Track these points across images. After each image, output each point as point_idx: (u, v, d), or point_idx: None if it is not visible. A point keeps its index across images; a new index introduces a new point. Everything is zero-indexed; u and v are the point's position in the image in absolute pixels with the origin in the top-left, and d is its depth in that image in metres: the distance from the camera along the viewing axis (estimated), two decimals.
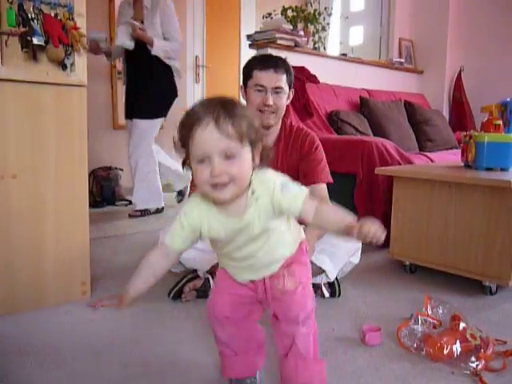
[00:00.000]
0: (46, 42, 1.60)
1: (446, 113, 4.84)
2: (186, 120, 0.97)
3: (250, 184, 1.03)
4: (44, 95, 1.66)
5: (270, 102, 1.81)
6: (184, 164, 1.04)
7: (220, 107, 0.94)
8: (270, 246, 1.08)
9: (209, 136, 0.93)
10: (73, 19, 1.66)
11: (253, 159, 1.01)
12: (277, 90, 1.83)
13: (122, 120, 4.26)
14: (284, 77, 1.83)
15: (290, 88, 1.89)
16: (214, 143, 0.93)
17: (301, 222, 1.09)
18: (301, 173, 1.92)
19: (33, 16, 1.57)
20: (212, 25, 4.99)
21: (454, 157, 3.20)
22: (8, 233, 1.63)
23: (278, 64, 1.84)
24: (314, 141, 1.96)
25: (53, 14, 1.62)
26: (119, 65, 4.31)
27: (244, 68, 1.91)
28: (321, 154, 1.96)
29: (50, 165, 1.70)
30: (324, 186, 1.94)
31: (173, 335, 1.57)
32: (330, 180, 1.97)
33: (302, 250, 1.15)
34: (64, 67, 1.66)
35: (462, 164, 2.44)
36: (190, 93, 4.89)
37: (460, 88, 4.77)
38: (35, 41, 1.56)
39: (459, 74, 4.78)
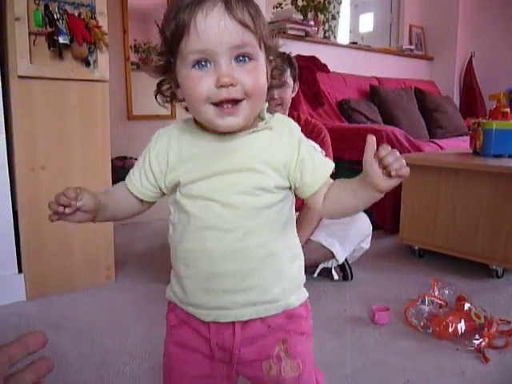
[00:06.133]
0: (71, 41, 1.69)
1: (456, 99, 4.86)
2: (178, 4, 0.65)
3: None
4: (69, 91, 1.76)
5: (276, 95, 1.89)
6: (160, 87, 0.73)
7: None
8: (264, 233, 0.72)
9: (215, 21, 0.62)
10: (95, 18, 1.75)
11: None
12: (282, 84, 1.92)
13: (136, 111, 4.37)
14: (288, 71, 1.92)
15: (294, 81, 1.99)
16: (223, 33, 0.62)
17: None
18: None
19: (58, 16, 1.66)
20: None
21: (463, 144, 3.24)
22: (39, 221, 1.74)
23: (282, 60, 1.92)
24: (321, 131, 2.06)
25: (76, 14, 1.71)
26: (133, 56, 4.41)
27: None
28: (327, 144, 2.05)
29: (76, 156, 1.81)
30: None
31: None
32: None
33: (306, 305, 0.80)
34: (87, 64, 1.76)
35: (471, 151, 2.50)
36: None
37: (471, 74, 4.79)
38: (61, 40, 1.65)
39: (470, 60, 4.79)
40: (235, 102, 0.66)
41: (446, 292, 1.65)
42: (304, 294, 0.80)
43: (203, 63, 0.65)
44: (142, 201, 0.80)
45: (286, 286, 0.75)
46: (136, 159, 0.82)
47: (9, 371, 0.46)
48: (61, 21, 1.67)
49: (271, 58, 0.72)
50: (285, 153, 0.71)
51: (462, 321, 1.49)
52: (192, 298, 0.75)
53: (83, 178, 1.83)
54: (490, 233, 2.05)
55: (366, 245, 2.11)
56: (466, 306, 1.55)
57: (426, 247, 2.32)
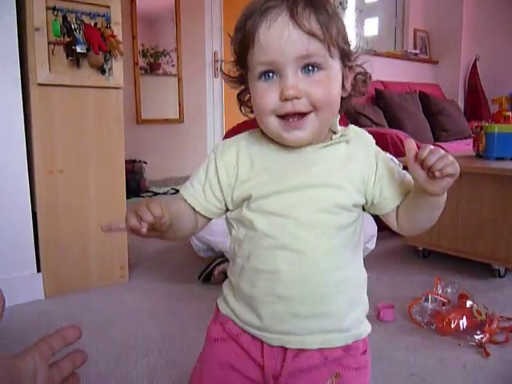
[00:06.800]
0: (88, 50, 1.76)
1: (461, 102, 4.91)
2: (244, 15, 0.64)
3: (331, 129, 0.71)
4: (86, 97, 1.84)
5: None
6: (241, 98, 0.72)
7: None
8: (342, 255, 0.68)
9: (279, 31, 0.60)
10: (110, 27, 1.83)
11: (343, 85, 0.67)
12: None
13: (144, 115, 4.46)
14: None
15: None
16: (287, 43, 0.59)
17: None
18: None
19: (75, 26, 1.74)
20: (230, 20, 5.10)
21: (467, 146, 3.29)
22: (57, 222, 1.82)
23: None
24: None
25: (92, 24, 1.79)
26: (141, 61, 4.49)
27: None
28: None
29: (92, 160, 1.89)
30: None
31: (207, 313, 1.74)
32: None
33: (365, 340, 0.74)
34: (103, 72, 1.83)
35: (474, 154, 2.55)
36: (210, 88, 5.05)
37: (475, 77, 4.84)
38: (78, 49, 1.73)
39: (474, 63, 4.84)
40: (301, 115, 0.62)
41: (449, 290, 1.70)
42: (369, 325, 0.74)
43: (270, 75, 0.63)
44: (202, 217, 0.73)
45: (358, 314, 0.71)
46: (146, 162, 0.77)
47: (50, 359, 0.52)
48: (78, 31, 1.75)
49: (351, 64, 0.68)
50: (363, 167, 0.68)
51: (464, 317, 1.55)
52: (258, 319, 0.69)
53: (98, 181, 1.91)
54: (493, 233, 2.10)
55: (372, 245, 2.16)
56: (468, 303, 1.61)
57: (430, 248, 2.38)
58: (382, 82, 4.21)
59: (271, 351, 0.69)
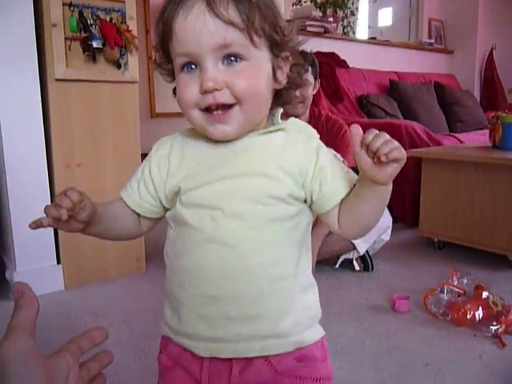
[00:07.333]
0: (104, 45, 1.79)
1: (477, 93, 4.84)
2: (163, 5, 0.61)
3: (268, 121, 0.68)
4: (102, 92, 1.87)
5: (297, 93, 1.96)
6: (176, 95, 0.66)
7: None
8: (274, 250, 0.63)
9: (195, 21, 0.57)
10: (125, 22, 1.85)
11: (274, 76, 0.63)
12: (304, 83, 1.99)
13: (159, 109, 4.49)
14: (309, 70, 1.99)
15: (315, 79, 2.06)
16: (203, 33, 0.57)
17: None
18: None
19: (91, 22, 1.76)
20: None
21: (483, 137, 3.26)
22: None
23: (304, 58, 2.00)
24: (342, 126, 2.12)
25: (108, 19, 1.81)
26: (155, 55, 4.51)
27: None
28: (348, 139, 2.10)
29: (108, 154, 1.92)
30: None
31: None
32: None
33: (323, 346, 0.69)
34: (119, 66, 1.86)
35: (490, 144, 2.53)
36: None
37: (492, 67, 4.76)
38: (94, 44, 1.75)
39: (491, 52, 4.77)
40: (225, 107, 0.59)
41: (465, 281, 1.70)
42: (320, 332, 0.68)
43: (192, 67, 0.60)
44: (139, 217, 0.70)
45: (298, 317, 0.64)
46: None
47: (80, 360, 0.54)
48: (94, 26, 1.77)
49: (285, 54, 0.63)
50: (301, 158, 0.63)
51: (480, 308, 1.55)
52: (186, 325, 0.64)
53: (115, 174, 1.93)
54: (509, 224, 2.08)
55: (387, 237, 2.16)
56: (484, 294, 1.60)
57: (445, 239, 2.37)
58: (396, 72, 4.17)
59: (214, 367, 0.64)
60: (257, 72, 0.60)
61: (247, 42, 0.58)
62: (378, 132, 0.55)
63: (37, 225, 0.57)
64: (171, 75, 0.66)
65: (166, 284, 0.68)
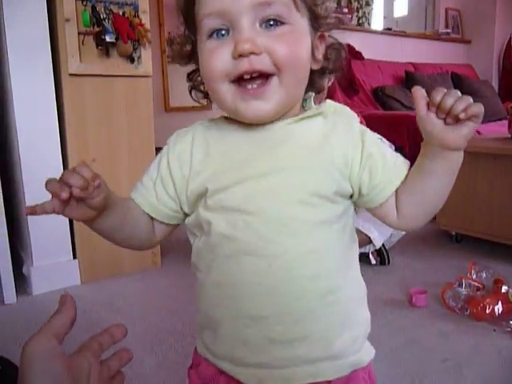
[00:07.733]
0: (117, 39, 1.78)
1: (495, 83, 4.75)
2: None
3: (303, 104, 0.59)
4: (116, 86, 1.86)
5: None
6: (191, 79, 0.59)
7: None
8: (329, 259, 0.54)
9: None
10: (138, 16, 1.84)
11: (312, 52, 0.55)
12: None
13: (173, 103, 4.49)
14: None
15: None
16: None
17: None
18: None
19: (104, 16, 1.76)
20: None
21: (502, 128, 3.19)
22: None
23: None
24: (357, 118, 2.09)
25: (121, 13, 1.80)
26: (168, 49, 4.51)
27: None
28: None
29: (123, 148, 1.92)
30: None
31: None
32: None
33: (369, 366, 0.60)
34: (132, 60, 1.85)
35: (509, 136, 2.47)
36: None
37: (510, 56, 4.67)
38: (108, 39, 1.75)
39: (509, 42, 4.67)
40: (263, 78, 0.49)
41: (484, 275, 1.67)
42: (372, 350, 0.59)
43: (222, 32, 0.50)
44: (153, 223, 0.60)
45: (356, 334, 0.56)
46: None
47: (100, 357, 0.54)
48: (107, 20, 1.76)
49: (323, 31, 0.55)
50: (345, 145, 0.54)
51: (500, 303, 1.52)
52: (225, 348, 0.56)
53: (129, 169, 1.93)
54: None
55: None
56: (504, 288, 1.57)
57: (463, 232, 2.33)
58: (412, 63, 4.12)
59: None
60: (299, 38, 0.52)
61: (290, 3, 0.50)
62: (446, 90, 0.48)
63: (32, 211, 0.47)
64: (187, 58, 0.57)
65: (198, 300, 0.59)
